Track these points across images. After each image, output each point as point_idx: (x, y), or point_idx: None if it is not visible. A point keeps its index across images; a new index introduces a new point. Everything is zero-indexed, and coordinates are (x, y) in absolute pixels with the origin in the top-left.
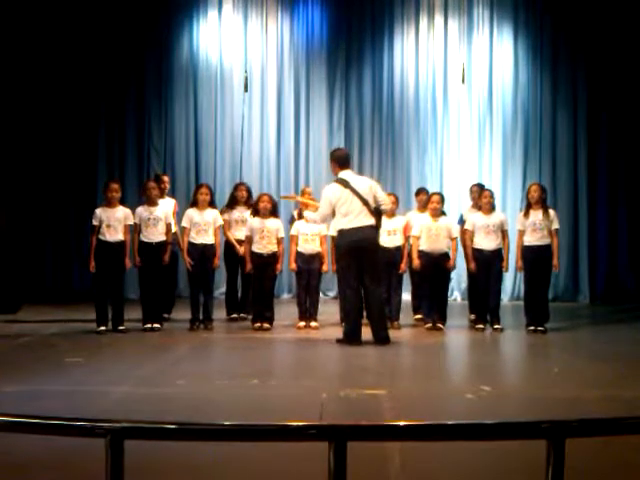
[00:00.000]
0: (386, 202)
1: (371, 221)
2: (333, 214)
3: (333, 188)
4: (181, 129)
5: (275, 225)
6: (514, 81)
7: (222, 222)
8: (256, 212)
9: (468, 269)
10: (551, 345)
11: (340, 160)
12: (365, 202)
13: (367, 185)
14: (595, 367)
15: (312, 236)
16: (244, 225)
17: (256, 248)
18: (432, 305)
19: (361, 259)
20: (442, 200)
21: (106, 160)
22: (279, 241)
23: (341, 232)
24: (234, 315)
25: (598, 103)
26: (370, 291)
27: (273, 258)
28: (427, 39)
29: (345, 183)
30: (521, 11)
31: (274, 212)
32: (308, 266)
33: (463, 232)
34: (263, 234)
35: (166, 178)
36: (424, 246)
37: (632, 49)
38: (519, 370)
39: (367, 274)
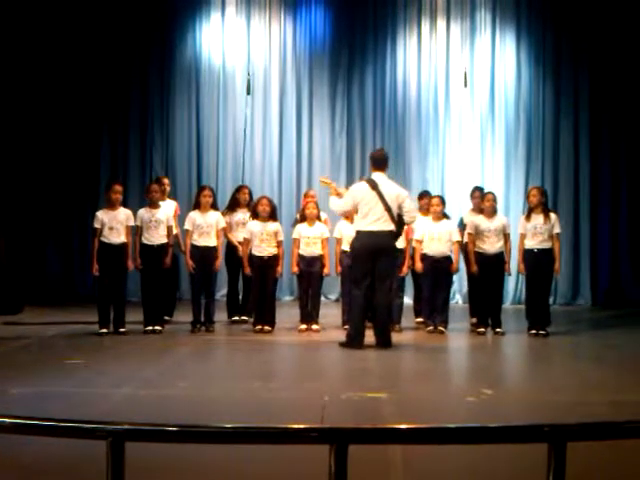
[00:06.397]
0: (411, 214)
1: (390, 227)
2: (355, 213)
3: (360, 187)
4: (183, 131)
5: (274, 228)
6: (516, 84)
7: (224, 224)
8: (255, 215)
9: (469, 272)
10: (552, 349)
11: (376, 161)
12: (388, 208)
13: (395, 192)
14: (597, 371)
15: (314, 239)
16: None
17: (256, 251)
18: (434, 308)
19: (374, 263)
20: (443, 203)
21: (109, 162)
22: (279, 244)
23: (358, 233)
24: (235, 317)
25: (600, 106)
26: (379, 294)
27: (273, 261)
28: (429, 42)
29: (373, 185)
30: (523, 14)
31: (273, 215)
32: (309, 269)
33: (466, 235)
34: (263, 237)
35: (166, 180)
36: (426, 249)
37: (635, 52)
38: (520, 374)
39: (378, 279)
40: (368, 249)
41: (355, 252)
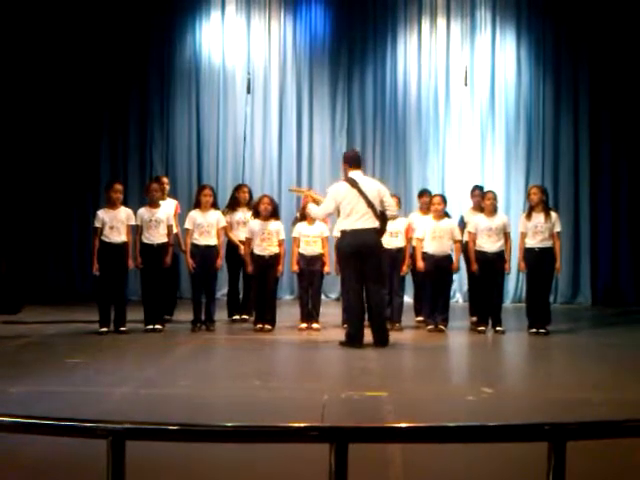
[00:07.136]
0: (392, 208)
1: (374, 224)
2: (338, 213)
3: (340, 186)
4: (183, 130)
5: (276, 227)
6: (517, 83)
7: (225, 223)
8: (256, 214)
9: (469, 271)
10: (553, 347)
11: (351, 160)
12: (370, 205)
13: (375, 188)
14: (597, 369)
15: (314, 238)
16: (246, 227)
17: (257, 250)
18: (434, 307)
19: (363, 262)
20: (444, 201)
21: (109, 162)
22: (280, 243)
23: (343, 233)
24: (236, 317)
25: (600, 105)
26: (372, 293)
27: (274, 260)
28: (430, 41)
29: (353, 183)
30: (524, 13)
31: (275, 214)
32: (310, 268)
33: (466, 234)
34: (264, 236)
35: (165, 179)
36: (427, 248)
37: (635, 51)
38: (521, 372)
39: (369, 276)
40: (355, 248)
41: (342, 252)
